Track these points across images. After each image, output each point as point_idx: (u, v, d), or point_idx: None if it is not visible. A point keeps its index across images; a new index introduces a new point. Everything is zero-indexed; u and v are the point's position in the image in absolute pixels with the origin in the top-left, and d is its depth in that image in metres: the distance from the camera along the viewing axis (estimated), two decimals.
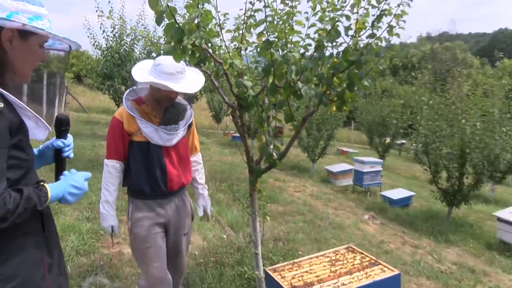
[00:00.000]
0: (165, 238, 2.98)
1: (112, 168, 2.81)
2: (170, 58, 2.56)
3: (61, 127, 1.85)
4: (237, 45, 2.85)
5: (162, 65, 2.63)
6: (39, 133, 1.62)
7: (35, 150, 1.84)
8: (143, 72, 2.70)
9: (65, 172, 1.78)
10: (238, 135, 3.32)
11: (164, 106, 2.83)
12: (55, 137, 1.88)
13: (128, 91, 2.92)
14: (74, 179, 1.72)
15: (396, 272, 2.89)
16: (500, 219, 7.40)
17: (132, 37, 11.27)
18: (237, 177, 9.68)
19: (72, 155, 1.92)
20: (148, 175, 2.80)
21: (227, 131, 21.87)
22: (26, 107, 1.54)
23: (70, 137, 1.90)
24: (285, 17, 2.48)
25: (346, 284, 2.71)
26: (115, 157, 2.81)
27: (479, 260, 6.58)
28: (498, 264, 6.42)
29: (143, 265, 2.92)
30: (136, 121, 2.73)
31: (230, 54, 2.69)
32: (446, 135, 8.66)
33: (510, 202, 12.32)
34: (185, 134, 2.99)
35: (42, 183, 1.59)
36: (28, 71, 1.63)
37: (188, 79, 2.74)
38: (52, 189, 1.60)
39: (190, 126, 3.03)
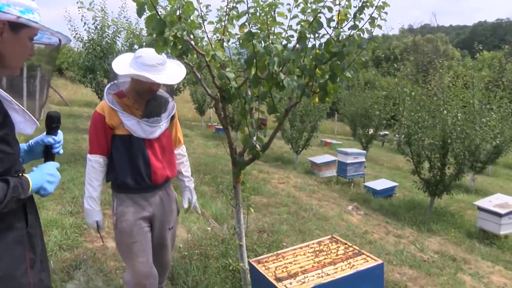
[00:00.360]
0: (150, 233, 2.96)
1: (96, 163, 2.77)
2: (150, 50, 2.55)
3: (52, 124, 1.86)
4: (220, 37, 2.83)
5: (142, 57, 2.60)
6: (27, 127, 1.62)
7: (25, 145, 1.87)
8: (123, 65, 2.67)
9: (34, 168, 1.77)
10: (221, 127, 3.31)
11: (146, 98, 2.80)
12: (45, 133, 1.88)
13: (109, 85, 2.88)
14: (48, 168, 1.74)
15: (379, 261, 2.92)
16: (480, 208, 7.53)
17: (114, 29, 11.14)
18: (221, 169, 9.67)
19: (61, 151, 1.94)
20: (132, 168, 2.77)
21: (210, 124, 21.80)
22: (13, 100, 1.53)
23: (60, 134, 1.92)
24: (267, 8, 2.48)
25: (329, 274, 2.73)
26: (98, 151, 2.77)
27: (460, 248, 6.69)
28: (477, 252, 6.54)
29: (128, 260, 2.90)
30: (118, 114, 2.69)
31: (213, 46, 2.68)
32: (428, 126, 8.75)
33: (490, 191, 12.52)
34: (168, 127, 2.95)
35: (21, 173, 1.61)
36: (18, 64, 1.64)
37: (169, 71, 2.72)
38: (32, 178, 1.62)
39: (172, 118, 2.99)
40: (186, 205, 3.20)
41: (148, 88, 2.72)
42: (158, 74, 2.62)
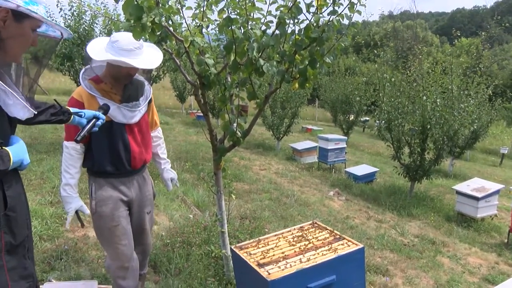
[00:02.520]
0: (130, 217, 2.96)
1: (73, 150, 2.71)
2: (126, 34, 2.51)
3: (108, 110, 2.53)
4: (198, 23, 2.81)
5: (119, 41, 2.53)
6: (18, 110, 1.67)
7: (92, 113, 2.33)
8: (99, 50, 2.59)
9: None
10: (202, 114, 3.30)
11: (123, 83, 2.75)
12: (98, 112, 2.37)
13: (83, 70, 2.80)
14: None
15: (360, 246, 2.94)
16: (458, 192, 7.66)
17: (91, 15, 10.91)
18: (202, 157, 9.65)
19: (97, 129, 2.37)
20: (112, 155, 2.75)
21: (190, 111, 21.66)
22: (1, 82, 1.58)
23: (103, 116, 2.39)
24: None
25: (311, 259, 2.75)
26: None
27: (439, 232, 6.81)
28: (456, 235, 6.67)
29: (111, 244, 2.87)
30: (97, 100, 2.64)
31: (191, 31, 2.65)
32: (408, 111, 8.82)
33: (468, 176, 12.74)
34: (146, 110, 2.93)
35: (2, 147, 1.68)
36: (19, 52, 1.72)
37: (146, 55, 2.66)
38: (12, 151, 1.68)
39: (149, 102, 2.96)
40: (170, 188, 3.28)
41: (126, 73, 2.67)
42: (136, 58, 2.56)
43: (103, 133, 2.69)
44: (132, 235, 2.97)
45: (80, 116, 2.24)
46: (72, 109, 2.23)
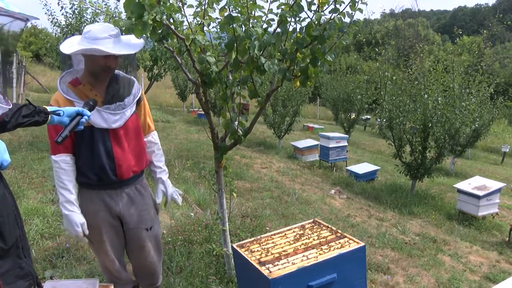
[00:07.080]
0: (122, 232, 2.77)
1: (63, 163, 2.46)
2: (100, 23, 2.41)
3: (95, 105, 2.32)
4: (200, 21, 2.80)
5: (92, 31, 2.33)
6: None
7: (73, 110, 2.12)
8: (72, 44, 2.37)
9: None
10: (203, 112, 3.28)
11: (105, 80, 2.51)
12: (82, 108, 2.19)
13: (62, 74, 2.56)
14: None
15: (362, 244, 2.94)
16: (460, 191, 7.65)
17: (92, 12, 10.89)
18: (204, 155, 9.65)
19: (82, 127, 2.21)
20: (93, 163, 2.51)
21: (192, 109, 21.65)
22: None
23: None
24: None
25: (312, 258, 2.75)
26: (62, 150, 2.45)
27: (440, 230, 6.81)
28: (457, 233, 6.67)
29: (98, 257, 2.83)
30: (75, 105, 2.39)
31: (193, 30, 2.65)
32: (409, 110, 8.81)
33: (469, 174, 12.73)
34: (135, 111, 2.66)
35: None
36: None
37: (124, 42, 2.42)
38: None
39: (139, 101, 2.69)
40: (159, 200, 2.88)
41: (104, 65, 2.41)
42: (111, 45, 2.33)
43: (83, 140, 2.49)
44: (130, 253, 2.87)
45: (59, 115, 2.03)
46: (49, 108, 2.04)
